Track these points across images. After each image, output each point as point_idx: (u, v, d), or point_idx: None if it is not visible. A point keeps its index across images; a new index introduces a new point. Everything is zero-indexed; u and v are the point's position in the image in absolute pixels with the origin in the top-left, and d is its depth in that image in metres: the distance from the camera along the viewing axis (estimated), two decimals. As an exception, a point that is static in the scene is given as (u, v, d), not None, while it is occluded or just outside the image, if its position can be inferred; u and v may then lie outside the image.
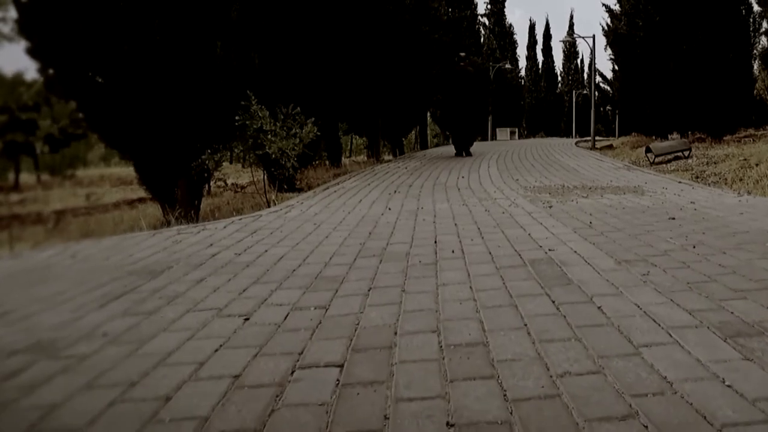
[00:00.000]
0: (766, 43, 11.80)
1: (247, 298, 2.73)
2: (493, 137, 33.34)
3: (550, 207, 5.32)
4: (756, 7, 14.53)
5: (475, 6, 32.25)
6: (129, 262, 3.71)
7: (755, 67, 12.00)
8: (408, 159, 14.52)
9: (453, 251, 3.48)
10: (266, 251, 3.79)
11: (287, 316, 2.41)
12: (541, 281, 2.73)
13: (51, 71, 6.99)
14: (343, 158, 21.54)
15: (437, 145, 44.86)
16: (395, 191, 7.33)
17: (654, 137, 21.98)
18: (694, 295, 2.45)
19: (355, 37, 11.28)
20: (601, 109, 47.15)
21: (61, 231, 10.39)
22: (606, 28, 23.02)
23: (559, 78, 56.81)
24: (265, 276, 3.13)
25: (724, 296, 2.41)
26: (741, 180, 9.07)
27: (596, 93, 29.25)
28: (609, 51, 22.71)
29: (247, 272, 3.23)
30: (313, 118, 8.05)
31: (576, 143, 25.38)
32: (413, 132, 26.33)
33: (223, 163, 7.76)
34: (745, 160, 10.71)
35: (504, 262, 3.14)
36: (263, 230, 4.65)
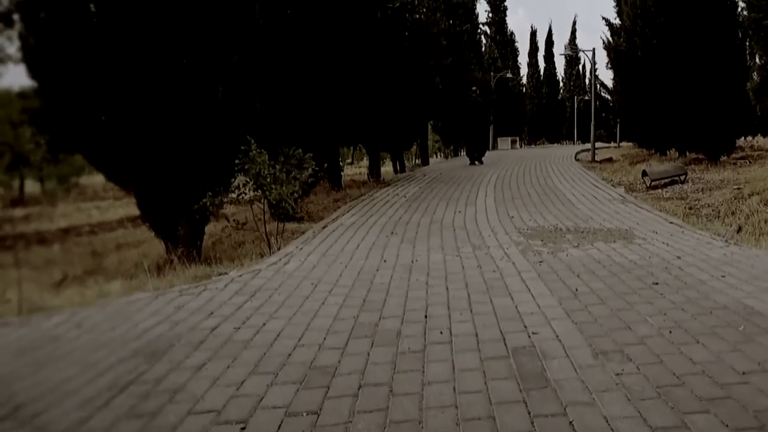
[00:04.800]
0: (757, 78, 11.91)
1: (245, 395, 2.90)
2: (494, 147, 33.48)
3: (540, 263, 5.49)
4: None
5: (476, 16, 32.41)
6: (133, 336, 3.89)
7: (750, 95, 12.15)
8: (408, 181, 14.70)
9: (441, 332, 3.65)
10: (264, 325, 3.96)
11: (281, 424, 2.59)
12: (520, 381, 2.90)
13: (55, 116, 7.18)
14: (343, 169, 21.86)
15: (438, 150, 44.99)
16: (392, 232, 7.50)
17: (653, 151, 22.20)
18: (661, 404, 2.62)
19: (356, 65, 11.46)
20: (603, 114, 47.25)
21: (66, 253, 10.53)
22: (606, 42, 23.17)
23: (561, 84, 56.98)
24: (262, 363, 3.30)
25: (689, 408, 2.58)
26: (733, 213, 9.25)
27: (597, 102, 29.34)
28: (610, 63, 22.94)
29: (245, 357, 3.41)
30: (311, 153, 8.23)
31: (576, 155, 25.50)
32: (414, 145, 26.53)
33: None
34: (738, 189, 10.87)
35: (488, 351, 3.31)
36: (262, 291, 4.83)
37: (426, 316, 4.01)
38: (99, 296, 5.79)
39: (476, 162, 19.29)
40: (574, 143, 46.11)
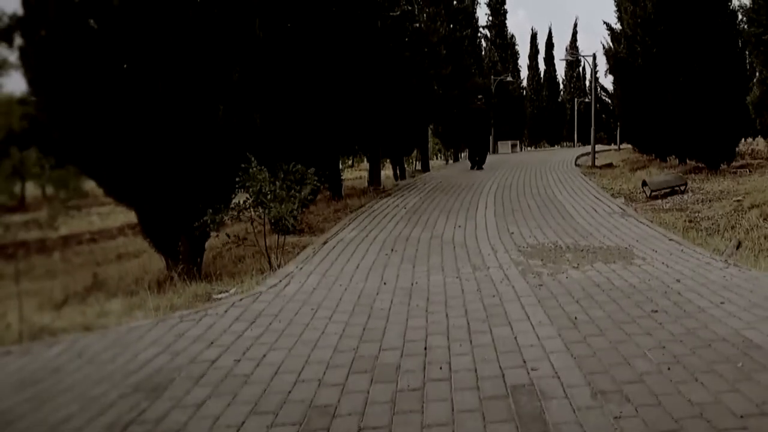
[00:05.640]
0: (757, 92, 11.92)
1: (245, 439, 2.92)
2: (495, 151, 33.52)
3: (540, 287, 5.50)
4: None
5: (476, 20, 32.46)
6: (134, 368, 3.90)
7: (750, 109, 12.19)
8: (408, 189, 14.70)
9: (441, 367, 3.66)
10: (264, 357, 3.97)
11: (281, 473, 2.60)
12: (519, 425, 2.91)
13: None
14: (343, 172, 21.99)
15: (438, 151, 44.98)
16: (392, 249, 7.52)
17: (653, 156, 22.26)
18: (660, 453, 2.63)
19: (357, 76, 11.49)
20: (603, 116, 47.37)
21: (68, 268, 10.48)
22: (606, 47, 23.21)
23: (561, 86, 57.03)
24: (262, 401, 3.31)
25: (687, 456, 2.60)
26: (733, 228, 9.25)
27: (597, 105, 29.36)
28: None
29: (245, 393, 3.41)
30: (313, 168, 8.26)
31: (576, 160, 25.57)
32: (415, 150, 26.59)
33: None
34: (738, 201, 10.88)
35: (487, 390, 3.32)
36: (262, 318, 4.84)
37: (425, 348, 4.02)
38: (99, 315, 5.81)
39: (476, 167, 20.39)
40: (574, 145, 46.19)
